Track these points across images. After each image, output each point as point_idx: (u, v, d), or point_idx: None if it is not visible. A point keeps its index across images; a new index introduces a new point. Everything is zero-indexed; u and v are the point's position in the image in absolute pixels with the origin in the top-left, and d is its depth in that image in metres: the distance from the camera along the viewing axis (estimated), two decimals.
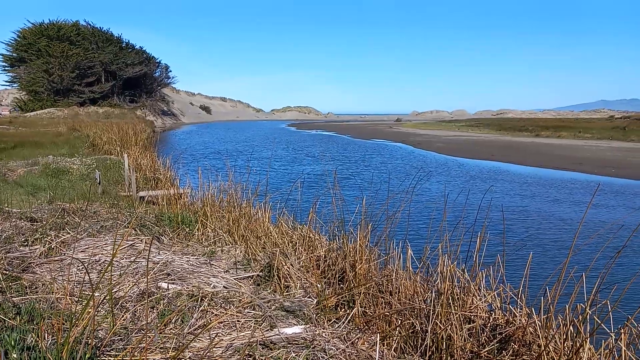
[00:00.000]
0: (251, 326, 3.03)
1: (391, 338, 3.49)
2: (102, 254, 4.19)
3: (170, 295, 3.36)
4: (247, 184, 6.51)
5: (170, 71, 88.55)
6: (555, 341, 2.68)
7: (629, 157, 31.28)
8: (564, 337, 2.53)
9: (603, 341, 2.52)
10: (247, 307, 3.41)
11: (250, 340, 2.70)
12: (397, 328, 3.51)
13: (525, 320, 2.95)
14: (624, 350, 2.38)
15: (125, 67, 70.93)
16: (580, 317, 2.50)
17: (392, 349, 3.37)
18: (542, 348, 2.44)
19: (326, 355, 2.77)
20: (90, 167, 14.24)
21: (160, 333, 2.72)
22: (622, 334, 2.41)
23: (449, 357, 3.11)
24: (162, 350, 2.50)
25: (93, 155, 19.05)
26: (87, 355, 2.11)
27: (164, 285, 3.55)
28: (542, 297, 2.85)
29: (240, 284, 4.06)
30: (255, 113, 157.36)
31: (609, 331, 2.50)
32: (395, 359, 3.12)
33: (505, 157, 32.21)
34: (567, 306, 2.69)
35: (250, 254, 4.86)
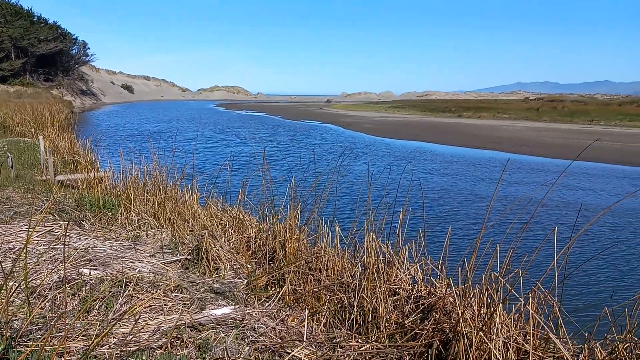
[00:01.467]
0: (179, 309, 2.99)
1: (320, 313, 3.57)
2: (16, 241, 3.95)
3: (93, 281, 3.23)
4: (172, 166, 6.33)
5: (89, 48, 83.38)
6: (472, 308, 2.86)
7: (541, 136, 33.45)
8: (480, 304, 2.71)
9: (514, 306, 2.72)
10: (175, 290, 3.36)
11: (178, 323, 2.67)
12: (326, 303, 3.60)
13: (445, 290, 3.12)
14: (532, 313, 2.59)
15: (38, 43, 65.96)
16: (493, 285, 2.67)
17: (322, 324, 3.45)
18: (460, 315, 2.60)
19: (256, 333, 2.79)
20: (1, 150, 13.24)
21: (83, 320, 2.62)
22: (530, 299, 2.61)
23: (375, 329, 3.23)
24: (84, 338, 2.41)
25: (4, 137, 17.71)
26: (1, 347, 2.00)
27: (86, 271, 3.41)
28: (460, 269, 3.03)
29: (167, 267, 3.98)
30: (181, 93, 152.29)
31: (519, 297, 2.70)
32: (324, 333, 3.19)
33: (430, 138, 33.41)
34: (483, 276, 2.86)
35: (177, 237, 4.77)
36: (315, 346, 2.84)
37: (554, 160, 22.98)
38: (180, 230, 4.93)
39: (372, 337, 3.18)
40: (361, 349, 2.88)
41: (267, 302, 3.52)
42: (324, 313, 3.56)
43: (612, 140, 30.87)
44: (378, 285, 3.37)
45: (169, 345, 2.49)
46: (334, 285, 3.64)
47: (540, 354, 2.60)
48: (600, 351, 2.61)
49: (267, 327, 2.94)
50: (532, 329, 2.59)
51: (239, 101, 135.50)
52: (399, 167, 19.55)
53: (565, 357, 2.57)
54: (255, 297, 3.56)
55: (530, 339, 2.53)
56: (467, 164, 22.23)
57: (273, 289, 3.88)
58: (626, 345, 2.59)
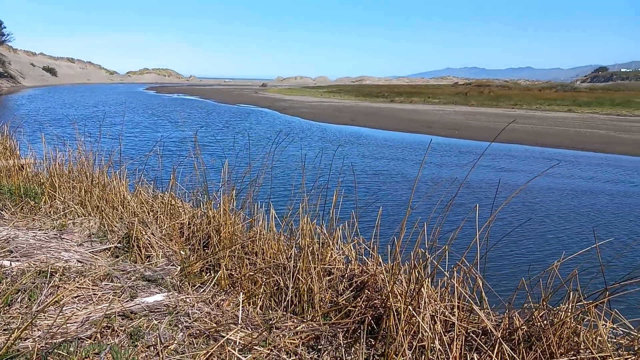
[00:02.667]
0: (109, 298, 2.91)
1: (257, 296, 3.58)
2: None
3: (14, 273, 3.07)
4: (100, 151, 6.07)
5: (5, 27, 77.46)
6: (402, 283, 2.98)
7: (469, 120, 34.90)
8: (409, 280, 2.83)
9: (440, 280, 2.87)
10: (105, 279, 3.26)
11: (108, 312, 2.60)
12: (262, 286, 3.62)
13: (377, 268, 3.23)
14: (457, 287, 2.73)
15: None
16: (421, 261, 2.79)
17: (258, 307, 3.47)
18: (389, 290, 2.70)
19: (190, 319, 2.78)
20: None
21: (4, 314, 2.50)
22: (455, 273, 2.76)
23: (310, 308, 3.30)
24: (5, 332, 2.30)
25: None
26: None
27: (6, 263, 3.23)
28: (390, 247, 3.14)
29: (96, 256, 3.84)
30: (108, 76, 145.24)
31: (444, 272, 2.84)
32: (261, 316, 3.22)
33: (365, 122, 33.97)
34: (411, 253, 2.98)
35: (106, 225, 4.60)
36: (251, 328, 2.86)
37: (480, 143, 24.08)
38: (109, 218, 4.76)
39: (307, 316, 3.25)
40: (297, 328, 2.93)
41: (202, 287, 3.50)
42: (260, 296, 3.58)
43: (532, 123, 32.74)
44: (313, 266, 3.42)
45: (98, 335, 2.42)
46: (270, 268, 3.66)
47: (465, 324, 2.76)
48: (518, 319, 2.80)
49: (201, 313, 2.92)
50: (457, 302, 2.74)
51: (170, 84, 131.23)
52: (334, 151, 19.78)
53: (487, 327, 2.75)
54: (189, 284, 3.53)
55: (455, 311, 2.68)
56: (399, 147, 22.85)
57: (208, 274, 3.85)
58: (542, 313, 2.79)
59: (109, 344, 2.32)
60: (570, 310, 2.69)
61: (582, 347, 2.70)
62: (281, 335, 2.81)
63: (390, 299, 2.68)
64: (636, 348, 2.67)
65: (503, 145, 23.39)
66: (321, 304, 3.34)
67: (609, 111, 43.08)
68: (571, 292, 2.78)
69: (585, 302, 2.73)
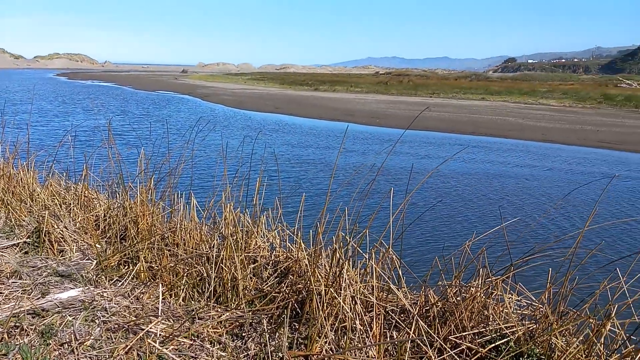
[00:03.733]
0: (18, 296, 2.74)
1: (179, 288, 3.52)
2: None
3: None
4: (3, 141, 5.64)
5: None
6: (325, 267, 3.04)
7: (390, 108, 35.91)
8: (330, 263, 2.90)
9: (359, 262, 2.97)
10: (13, 276, 3.07)
11: (16, 311, 2.45)
12: (185, 277, 3.55)
13: (300, 253, 3.27)
14: (375, 268, 2.84)
15: None
16: (341, 244, 2.87)
17: (181, 298, 3.41)
18: (311, 275, 2.76)
19: (107, 313, 2.68)
20: None
21: None
22: (374, 255, 2.87)
23: (234, 297, 3.29)
24: None
25: None
26: None
27: None
28: (312, 232, 3.19)
29: (2, 253, 3.59)
30: (13, 60, 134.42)
31: (364, 254, 2.93)
32: (183, 307, 3.17)
33: (289, 110, 33.98)
34: (333, 237, 3.05)
35: (13, 219, 4.30)
36: (173, 320, 2.82)
37: (400, 131, 24.90)
38: (16, 212, 4.45)
39: (231, 305, 3.24)
40: (221, 317, 2.92)
41: (120, 281, 3.38)
42: (182, 287, 3.52)
43: (448, 112, 34.28)
44: (237, 254, 3.41)
45: (5, 335, 2.28)
46: (192, 259, 3.60)
47: (384, 303, 2.88)
48: (433, 296, 2.96)
49: (120, 306, 2.83)
50: (376, 282, 2.85)
51: (84, 70, 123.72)
52: (259, 139, 19.65)
53: (405, 305, 2.88)
54: (106, 278, 3.39)
55: (374, 292, 2.79)
56: (323, 135, 23.10)
57: (127, 267, 3.72)
58: (455, 290, 2.97)
59: (17, 344, 2.20)
60: (480, 286, 2.88)
61: (490, 319, 2.90)
62: (204, 325, 2.79)
63: (312, 282, 2.73)
64: (538, 317, 2.91)
65: (422, 133, 24.33)
66: (245, 291, 3.34)
67: (518, 100, 45.97)
68: (480, 269, 2.98)
69: (493, 278, 2.93)
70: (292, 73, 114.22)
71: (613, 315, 2.60)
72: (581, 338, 2.73)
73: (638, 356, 2.46)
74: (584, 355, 2.57)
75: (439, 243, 8.24)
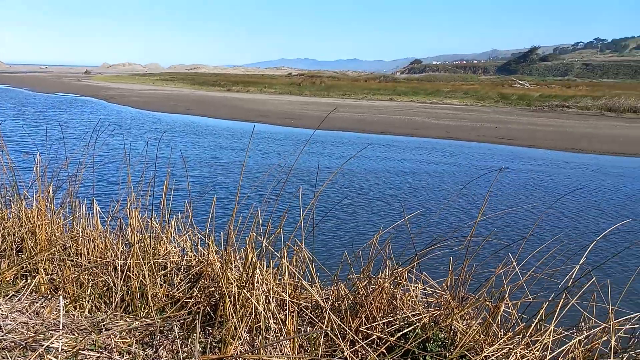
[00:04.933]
0: None
1: (84, 299, 3.35)
2: None
3: None
4: None
5: None
6: (239, 269, 3.04)
7: (303, 109, 36.24)
8: (243, 265, 2.90)
9: (271, 260, 2.99)
10: None
11: None
12: (89, 288, 3.38)
13: (213, 256, 3.24)
14: (287, 266, 2.88)
15: None
16: (253, 245, 2.88)
17: (86, 310, 3.25)
18: (221, 277, 2.75)
19: (2, 331, 2.49)
20: None
21: None
22: (285, 253, 2.90)
23: (144, 305, 3.18)
24: None
25: None
26: None
27: None
28: (223, 234, 3.17)
29: None
30: None
31: (276, 253, 2.96)
32: (89, 319, 3.02)
33: (201, 111, 33.24)
34: (247, 238, 3.05)
35: None
36: (77, 333, 2.68)
37: (311, 131, 25.23)
38: None
39: (141, 313, 3.13)
40: (130, 327, 2.82)
41: (17, 296, 3.15)
42: (87, 298, 3.35)
43: (359, 112, 35.25)
44: (145, 261, 3.30)
45: None
46: (97, 268, 3.44)
47: (297, 301, 2.93)
48: (344, 290, 3.06)
49: (16, 323, 2.65)
50: (289, 280, 2.89)
51: None
52: (169, 141, 19.06)
53: (317, 300, 2.94)
54: (1, 293, 3.15)
55: (287, 289, 2.83)
56: (236, 136, 22.85)
57: (24, 281, 3.48)
58: (364, 283, 3.08)
59: None
60: (387, 277, 3.02)
61: (398, 309, 3.05)
62: (112, 336, 2.68)
63: (224, 285, 2.72)
64: (441, 304, 3.10)
65: (337, 133, 24.82)
66: (156, 299, 3.25)
67: (423, 99, 48.25)
68: (387, 261, 3.11)
69: (399, 269, 3.08)
70: (203, 73, 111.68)
71: (507, 296, 2.83)
72: (479, 320, 2.95)
73: (529, 332, 2.70)
74: (482, 336, 2.77)
75: (350, 238, 8.48)
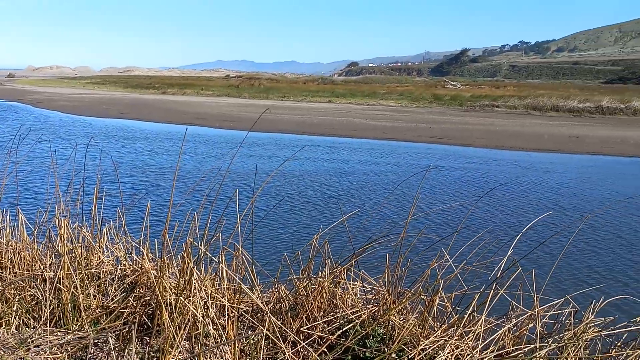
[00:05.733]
0: None
1: (9, 315, 3.16)
2: None
3: None
4: None
5: None
6: (176, 276, 2.98)
7: (242, 111, 35.92)
8: (180, 271, 2.84)
9: (209, 266, 2.95)
10: None
11: None
12: (16, 303, 3.20)
13: (148, 264, 3.15)
14: (225, 270, 2.85)
15: None
16: (190, 251, 2.83)
17: (13, 327, 3.08)
18: (155, 285, 2.68)
19: None
20: None
21: None
22: (223, 257, 2.88)
23: (77, 317, 3.05)
24: None
25: None
26: None
27: None
28: (157, 241, 3.10)
29: None
30: None
31: (214, 258, 2.93)
32: (16, 336, 2.86)
33: (135, 115, 32.19)
34: (183, 244, 3.00)
35: None
36: (4, 351, 2.53)
37: (253, 133, 25.06)
38: None
39: (73, 327, 3.00)
40: (61, 341, 2.69)
41: None
42: (14, 314, 3.17)
43: (299, 114, 35.37)
44: (77, 272, 3.17)
45: None
46: (24, 281, 3.26)
47: (237, 305, 2.91)
48: (284, 292, 3.07)
49: None
50: (228, 285, 2.87)
51: None
52: (100, 147, 18.32)
53: (257, 304, 2.94)
54: None
55: (226, 294, 2.80)
56: (172, 140, 22.31)
57: None
58: (305, 283, 3.10)
59: None
60: (326, 277, 3.05)
61: (338, 307, 3.09)
62: (42, 352, 2.56)
63: (160, 293, 2.66)
64: (380, 300, 3.17)
65: (277, 135, 24.80)
66: (89, 311, 3.12)
67: (361, 101, 49.04)
68: (327, 261, 3.15)
69: (338, 268, 3.12)
70: (137, 76, 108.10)
71: (441, 289, 2.94)
72: (416, 314, 3.05)
73: (462, 323, 2.82)
74: (419, 329, 2.87)
75: (290, 240, 8.50)
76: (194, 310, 2.63)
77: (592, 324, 2.89)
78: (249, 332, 2.93)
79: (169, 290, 2.74)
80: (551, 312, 3.01)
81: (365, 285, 3.31)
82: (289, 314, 2.95)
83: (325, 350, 2.78)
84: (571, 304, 3.01)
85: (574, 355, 2.75)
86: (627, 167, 18.52)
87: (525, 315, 2.96)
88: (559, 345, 2.78)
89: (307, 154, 19.45)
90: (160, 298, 2.65)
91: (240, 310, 2.95)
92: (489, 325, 2.88)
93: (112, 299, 3.21)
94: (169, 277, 3.08)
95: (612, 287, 7.19)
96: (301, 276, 3.12)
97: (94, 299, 3.21)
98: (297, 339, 2.74)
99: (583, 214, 11.37)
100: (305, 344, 2.73)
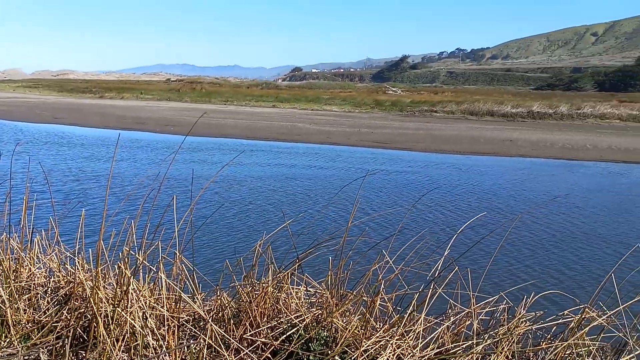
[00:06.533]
0: None
1: None
2: None
3: None
4: None
5: None
6: (114, 287, 2.87)
7: (184, 116, 35.20)
8: (117, 281, 2.75)
9: (147, 275, 2.87)
10: None
11: None
12: None
13: (83, 275, 3.03)
14: (164, 279, 2.79)
15: None
16: (127, 260, 2.75)
17: None
18: (93, 296, 2.59)
19: None
20: None
21: None
22: (162, 266, 2.81)
23: (5, 334, 2.89)
24: None
25: None
26: None
27: None
28: (92, 250, 2.99)
29: None
30: None
31: (152, 267, 2.85)
32: None
33: (71, 120, 30.87)
34: (120, 253, 2.90)
35: None
36: None
37: (197, 138, 24.59)
38: None
39: (1, 344, 2.84)
40: None
41: None
42: None
43: (242, 118, 35.07)
44: (5, 285, 3.00)
45: None
46: None
47: (177, 314, 2.85)
48: (226, 299, 3.03)
49: None
50: (168, 294, 2.80)
51: None
52: (31, 154, 17.42)
53: (198, 312, 2.89)
54: None
55: (165, 304, 2.73)
56: (109, 146, 21.52)
57: None
58: (248, 289, 3.08)
59: None
60: (270, 282, 3.04)
61: (282, 312, 3.09)
62: None
63: (95, 304, 2.56)
64: (323, 303, 3.19)
65: (222, 140, 24.47)
66: (19, 326, 2.96)
67: (305, 106, 49.26)
68: (270, 266, 3.14)
69: (281, 273, 3.12)
70: (72, 80, 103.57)
71: (382, 290, 3.00)
72: (359, 315, 3.10)
73: (403, 323, 2.89)
74: (361, 331, 2.91)
75: (233, 246, 8.40)
76: (132, 321, 2.55)
77: (524, 319, 3.04)
78: (191, 341, 2.87)
79: (105, 301, 2.64)
80: (487, 309, 3.14)
81: (310, 289, 3.32)
82: (232, 321, 2.92)
83: (269, 356, 2.77)
84: (505, 301, 3.15)
85: (508, 349, 2.88)
86: (555, 168, 19.61)
87: (463, 313, 3.07)
88: (494, 340, 2.90)
89: (252, 159, 19.31)
90: (95, 310, 2.55)
91: (181, 319, 2.89)
92: (428, 324, 2.97)
93: (45, 313, 3.06)
94: (106, 287, 2.98)
95: (545, 282, 7.59)
96: (244, 282, 3.09)
97: (24, 313, 3.04)
98: (240, 346, 2.72)
99: (516, 214, 11.94)
100: (249, 350, 2.71)
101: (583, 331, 2.87)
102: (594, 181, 17.06)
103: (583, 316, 2.94)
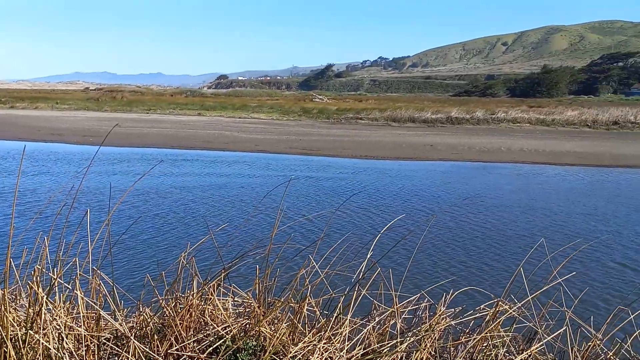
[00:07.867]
0: None
1: None
2: None
3: None
4: None
5: None
6: (26, 308, 2.71)
7: (103, 125, 33.64)
8: (28, 303, 2.60)
9: (62, 294, 2.74)
10: None
11: None
12: None
13: None
14: (81, 297, 2.67)
15: None
16: (39, 279, 2.61)
17: None
18: (1, 318, 2.43)
19: None
20: None
21: None
22: (77, 283, 2.68)
23: None
24: None
25: None
26: None
27: None
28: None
29: None
30: None
31: (67, 285, 2.72)
32: None
33: None
34: (32, 273, 2.75)
35: None
36: None
37: (117, 149, 23.59)
38: None
39: None
40: None
41: None
42: None
43: (166, 127, 34.08)
44: None
45: None
46: None
47: (97, 333, 2.73)
48: (149, 314, 2.95)
49: None
50: (86, 312, 2.68)
51: None
52: None
53: (119, 329, 2.78)
54: None
55: (83, 323, 2.62)
56: (19, 159, 20.14)
57: None
58: (173, 303, 3.00)
59: None
60: (194, 295, 2.99)
61: (209, 324, 3.05)
62: None
63: (4, 327, 2.41)
64: (251, 312, 3.18)
65: (144, 150, 23.64)
66: None
67: (232, 114, 48.69)
68: (195, 278, 3.09)
69: (207, 285, 3.08)
70: None
71: (308, 295, 3.04)
72: (287, 322, 3.11)
73: (329, 326, 2.94)
74: (289, 337, 2.93)
75: (156, 260, 8.12)
76: (46, 344, 2.41)
77: (445, 315, 3.19)
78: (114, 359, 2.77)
79: (16, 325, 2.49)
80: (409, 308, 3.26)
81: (237, 299, 3.30)
82: (156, 337, 2.84)
83: None
84: (427, 299, 3.29)
85: (430, 345, 3.01)
86: (472, 171, 20.68)
87: (387, 313, 3.17)
88: (417, 338, 3.02)
89: (178, 168, 18.80)
90: (4, 334, 2.39)
91: (101, 338, 2.77)
92: (354, 326, 3.04)
93: None
94: (17, 309, 2.81)
95: (464, 279, 7.96)
96: (167, 296, 3.02)
97: None
98: None
99: (435, 214, 12.49)
100: None
101: (497, 322, 3.05)
102: (506, 181, 18.19)
103: (497, 309, 3.13)
